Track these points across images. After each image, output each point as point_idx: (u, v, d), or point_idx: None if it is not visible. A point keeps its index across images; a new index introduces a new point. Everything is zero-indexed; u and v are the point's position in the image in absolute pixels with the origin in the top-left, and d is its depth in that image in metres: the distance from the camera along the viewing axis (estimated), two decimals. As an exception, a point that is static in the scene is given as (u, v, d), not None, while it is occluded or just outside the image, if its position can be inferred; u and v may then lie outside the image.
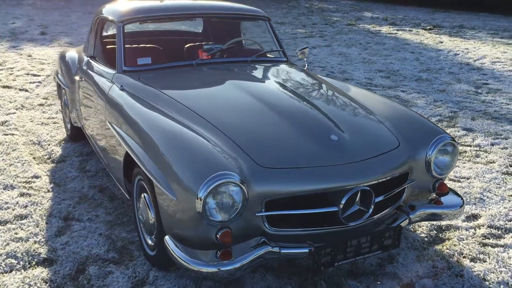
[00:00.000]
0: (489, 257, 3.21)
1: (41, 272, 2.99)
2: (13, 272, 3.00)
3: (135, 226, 3.47)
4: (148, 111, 3.14)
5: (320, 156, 2.72)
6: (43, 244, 3.29)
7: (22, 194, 3.97)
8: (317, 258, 2.60)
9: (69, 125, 5.21)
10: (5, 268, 3.03)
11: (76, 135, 5.10)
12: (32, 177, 4.30)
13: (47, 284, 2.89)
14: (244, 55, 4.17)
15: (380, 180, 2.75)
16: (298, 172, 2.62)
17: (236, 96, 3.34)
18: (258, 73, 3.91)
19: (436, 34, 13.08)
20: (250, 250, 2.56)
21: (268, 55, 4.33)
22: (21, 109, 6.28)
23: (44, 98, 6.77)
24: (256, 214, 2.57)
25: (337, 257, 2.66)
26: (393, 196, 2.93)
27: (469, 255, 3.25)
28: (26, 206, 3.77)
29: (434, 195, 3.15)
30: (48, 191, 4.06)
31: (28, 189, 4.06)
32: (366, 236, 2.72)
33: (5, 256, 3.14)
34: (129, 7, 4.07)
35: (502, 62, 9.40)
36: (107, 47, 4.53)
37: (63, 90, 5.19)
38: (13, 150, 4.88)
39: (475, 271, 3.07)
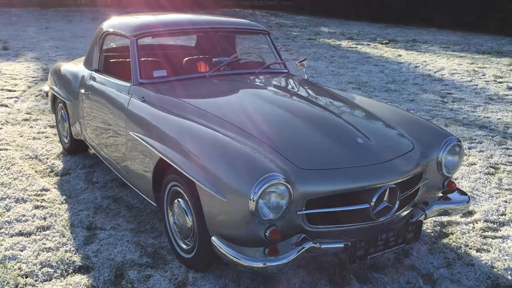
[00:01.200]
0: (492, 248, 3.54)
1: (81, 279, 3.07)
2: (53, 280, 3.06)
3: (161, 232, 3.60)
4: (180, 119, 3.29)
5: (351, 158, 2.96)
6: (74, 252, 3.36)
7: (36, 207, 4.00)
8: (352, 251, 2.83)
9: (66, 139, 5.24)
10: (43, 277, 3.08)
11: (76, 148, 5.14)
12: (41, 190, 4.32)
13: (91, 289, 2.98)
14: (250, 67, 4.38)
15: (404, 179, 3.02)
16: (336, 172, 2.85)
17: (258, 104, 3.54)
18: (270, 83, 4.13)
19: (393, 48, 13.74)
20: (293, 247, 2.76)
21: (271, 66, 4.56)
22: (6, 124, 6.22)
23: (27, 113, 6.71)
24: (298, 213, 2.77)
25: (369, 250, 2.90)
26: (409, 194, 3.20)
27: (474, 246, 3.57)
28: (45, 218, 3.81)
29: (441, 193, 3.46)
30: (62, 202, 4.10)
31: (41, 202, 4.09)
32: (393, 231, 2.97)
33: (40, 266, 3.19)
34: (140, 21, 4.21)
35: (459, 74, 10.04)
36: (112, 60, 4.64)
37: (60, 104, 5.23)
38: (12, 165, 4.87)
39: (482, 260, 3.39)
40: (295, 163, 2.82)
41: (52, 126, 6.19)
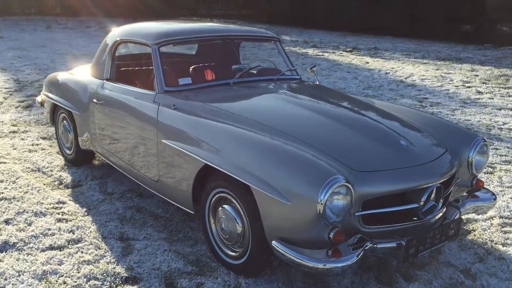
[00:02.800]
0: (514, 242, 3.74)
1: (133, 290, 3.02)
2: (104, 292, 3.00)
3: (197, 240, 3.58)
4: (223, 125, 3.29)
5: (399, 159, 3.07)
6: (116, 264, 3.29)
7: (59, 220, 3.89)
8: (407, 250, 2.92)
9: (69, 150, 5.10)
10: (93, 290, 3.01)
11: (82, 159, 5.02)
12: (57, 203, 4.20)
13: (147, 300, 2.93)
14: (268, 74, 4.43)
15: (446, 178, 3.16)
16: (390, 173, 2.95)
17: (294, 110, 3.60)
18: (295, 89, 4.20)
19: (358, 55, 14.12)
20: (350, 248, 2.82)
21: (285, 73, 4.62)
22: (-6, 137, 5.99)
23: (13, 125, 6.49)
24: (356, 214, 2.84)
25: (419, 248, 3.00)
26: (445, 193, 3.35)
27: (499, 241, 3.75)
28: (72, 231, 3.71)
29: (466, 192, 3.62)
30: (84, 215, 4.01)
31: (61, 215, 3.98)
32: (438, 229, 3.09)
33: (85, 279, 3.11)
34: (161, 29, 4.20)
35: (429, 79, 10.45)
36: (124, 69, 4.58)
37: (62, 115, 5.10)
38: (16, 178, 4.70)
39: (510, 254, 3.57)
40: (350, 166, 2.90)
41: (44, 138, 6.01)
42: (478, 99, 8.78)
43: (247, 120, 3.35)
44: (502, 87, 9.75)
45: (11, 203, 4.16)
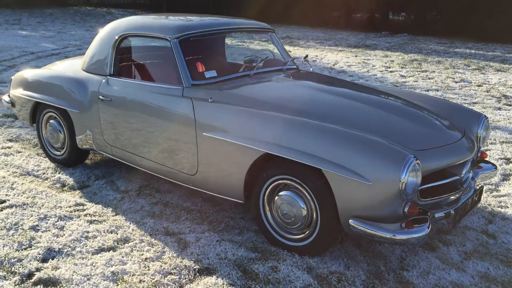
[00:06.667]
0: (508, 204, 4.31)
1: (215, 279, 3.07)
2: (187, 285, 3.03)
3: (242, 228, 3.70)
4: (277, 114, 3.42)
5: (442, 137, 3.44)
6: (181, 258, 3.31)
7: (91, 222, 3.77)
8: (455, 217, 3.30)
9: (60, 151, 4.87)
10: (174, 285, 3.03)
11: (77, 159, 4.83)
12: (76, 205, 4.05)
13: (233, 287, 3.01)
14: (275, 64, 4.59)
15: (475, 152, 3.59)
16: (442, 150, 3.31)
17: (329, 98, 3.84)
18: (311, 78, 4.43)
19: (276, 44, 14.55)
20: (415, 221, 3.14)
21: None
22: (-48, 142, 5.50)
23: (-33, 129, 5.97)
24: (418, 189, 3.16)
25: (461, 215, 3.40)
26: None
27: (495, 205, 4.30)
28: (113, 232, 3.63)
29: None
30: (113, 214, 3.92)
31: (90, 216, 3.86)
32: (469, 198, 3.51)
33: (160, 275, 3.11)
34: (178, 23, 4.18)
35: (355, 66, 11.17)
36: (126, 63, 4.48)
37: (49, 114, 4.84)
38: (12, 184, 4.41)
39: (510, 214, 4.13)
40: (408, 146, 3.20)
41: (11, 140, 5.63)
42: (405, 82, 9.59)
43: (293, 108, 3.52)
44: (419, 71, 10.71)
45: (25, 209, 3.94)
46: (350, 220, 3.06)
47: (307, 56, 5.02)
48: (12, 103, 5.25)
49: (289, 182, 3.33)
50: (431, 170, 3.21)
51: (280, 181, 3.38)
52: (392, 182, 2.92)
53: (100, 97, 4.30)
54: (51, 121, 4.86)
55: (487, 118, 4.05)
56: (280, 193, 3.39)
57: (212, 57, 4.58)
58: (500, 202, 4.35)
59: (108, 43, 4.41)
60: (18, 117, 5.34)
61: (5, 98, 5.36)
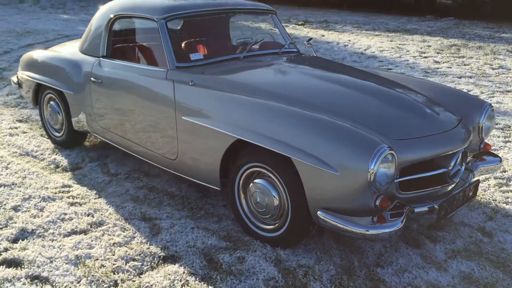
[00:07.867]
0: (514, 200, 4.00)
1: (177, 268, 2.99)
2: (148, 272, 2.96)
3: (220, 216, 3.59)
4: (254, 99, 3.27)
5: (429, 127, 3.19)
6: (149, 244, 3.24)
7: (71, 204, 3.76)
8: (439, 212, 3.06)
9: (59, 132, 4.90)
10: (136, 271, 2.96)
11: (74, 141, 4.84)
12: (62, 187, 4.05)
13: (194, 276, 2.91)
14: (271, 47, 4.42)
15: (467, 144, 3.32)
16: (425, 140, 3.06)
17: (316, 82, 3.63)
18: (306, 62, 4.23)
19: (312, 28, 14.28)
20: (388, 213, 2.93)
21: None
22: (-35, 122, 5.64)
23: (-19, 109, 6.13)
24: (395, 181, 2.94)
25: (448, 209, 3.16)
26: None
27: (501, 200, 4.00)
28: (90, 214, 3.60)
29: (473, 155, 3.82)
30: (96, 197, 3.89)
31: (72, 198, 3.85)
32: (462, 191, 3.25)
33: (123, 261, 3.05)
34: (166, 3, 4.06)
35: (387, 51, 10.76)
36: (119, 45, 4.42)
37: (49, 95, 4.86)
38: (8, 164, 4.47)
39: (515, 211, 3.83)
40: (387, 135, 2.98)
41: (21, 121, 5.72)
42: (438, 68, 9.14)
43: (274, 93, 3.35)
44: (456, 56, 10.19)
45: (13, 189, 3.97)
46: (318, 212, 2.89)
47: (310, 39, 4.81)
48: (19, 84, 5.32)
49: (262, 170, 3.18)
50: (412, 161, 2.98)
51: (254, 169, 3.24)
52: (360, 173, 2.73)
53: (92, 78, 4.27)
54: (51, 102, 4.89)
55: (492, 106, 3.74)
56: (255, 181, 3.25)
57: (204, 40, 4.45)
58: (507, 198, 4.04)
59: (102, 24, 4.36)
60: (25, 98, 5.42)
61: (13, 79, 5.44)
